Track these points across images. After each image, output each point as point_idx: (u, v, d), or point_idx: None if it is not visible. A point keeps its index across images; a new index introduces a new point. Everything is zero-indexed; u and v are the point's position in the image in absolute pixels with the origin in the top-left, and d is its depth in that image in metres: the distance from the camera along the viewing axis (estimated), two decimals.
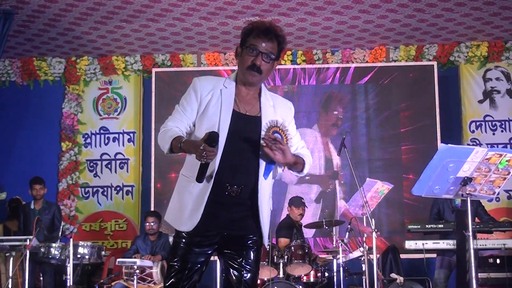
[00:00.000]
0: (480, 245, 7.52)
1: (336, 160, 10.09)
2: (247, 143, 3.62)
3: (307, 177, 10.03)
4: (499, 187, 5.05)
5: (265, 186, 3.68)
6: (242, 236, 3.70)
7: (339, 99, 10.47)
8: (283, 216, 9.07)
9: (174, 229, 3.71)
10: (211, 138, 3.35)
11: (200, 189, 3.57)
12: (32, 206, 9.04)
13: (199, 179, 3.49)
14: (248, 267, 3.69)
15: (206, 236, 3.63)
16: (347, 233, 7.94)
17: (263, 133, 3.59)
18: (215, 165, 3.53)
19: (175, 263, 3.64)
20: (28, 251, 7.79)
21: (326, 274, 8.05)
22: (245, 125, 3.66)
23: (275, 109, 3.76)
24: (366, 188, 8.22)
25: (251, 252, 3.71)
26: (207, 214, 3.57)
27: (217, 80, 3.79)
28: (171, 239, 8.45)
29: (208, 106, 3.66)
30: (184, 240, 3.63)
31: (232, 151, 3.59)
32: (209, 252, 3.69)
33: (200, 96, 3.69)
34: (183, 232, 3.63)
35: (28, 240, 7.89)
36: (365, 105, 10.41)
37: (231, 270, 3.69)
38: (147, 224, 8.90)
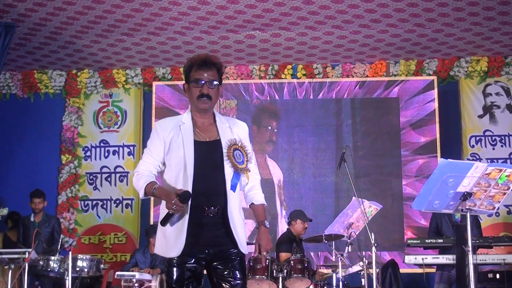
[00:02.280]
0: (480, 260, 7.50)
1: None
2: (214, 166, 4.02)
3: None
4: (499, 202, 5.06)
5: (234, 201, 4.03)
6: (225, 250, 4.03)
7: (336, 112, 10.48)
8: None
9: None
10: (183, 196, 3.78)
11: (178, 217, 3.93)
12: (31, 219, 9.03)
13: (163, 223, 3.90)
14: (236, 277, 4.02)
15: (193, 255, 3.98)
16: (346, 247, 7.92)
17: (225, 150, 4.02)
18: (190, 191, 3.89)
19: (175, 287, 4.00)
20: (27, 264, 7.76)
21: None
22: (208, 151, 4.04)
23: (232, 130, 4.15)
24: (353, 208, 8.06)
25: (236, 263, 4.04)
26: (190, 236, 3.93)
27: (175, 118, 4.21)
28: None
29: (172, 143, 4.03)
30: (175, 265, 3.99)
31: (202, 176, 3.97)
32: (199, 269, 4.03)
33: (163, 137, 4.06)
34: (173, 258, 3.99)
35: (27, 252, 7.87)
36: (361, 119, 10.43)
37: (222, 282, 4.01)
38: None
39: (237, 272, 4.04)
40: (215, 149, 4.05)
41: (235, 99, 10.52)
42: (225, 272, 4.02)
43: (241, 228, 4.07)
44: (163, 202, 3.96)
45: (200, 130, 4.11)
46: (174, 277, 4.00)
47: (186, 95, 4.19)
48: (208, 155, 4.03)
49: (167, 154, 4.05)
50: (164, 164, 4.09)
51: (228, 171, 4.01)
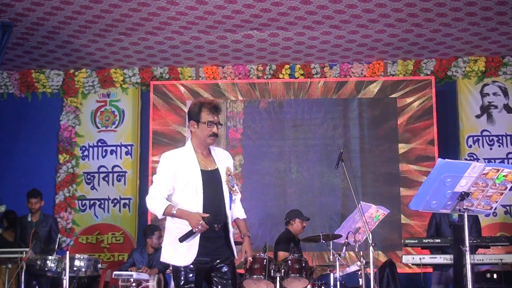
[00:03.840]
0: (477, 260, 7.50)
1: None
2: (216, 191, 4.91)
3: None
4: (496, 202, 5.06)
5: (230, 217, 4.96)
6: (224, 258, 4.92)
7: (333, 112, 10.49)
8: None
9: None
10: (208, 219, 4.66)
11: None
12: (29, 219, 9.02)
13: (183, 240, 4.69)
14: (229, 280, 4.90)
15: (199, 264, 4.79)
16: (344, 247, 7.92)
17: (224, 178, 4.97)
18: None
19: None
20: (24, 264, 7.76)
21: None
22: (211, 178, 4.92)
23: (223, 159, 5.08)
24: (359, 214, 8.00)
25: (230, 267, 4.94)
26: (200, 248, 4.76)
27: (179, 151, 5.01)
28: None
29: (180, 172, 4.84)
30: (183, 273, 4.78)
31: (209, 199, 4.83)
32: (202, 274, 4.86)
33: (173, 168, 4.85)
34: (181, 266, 4.78)
35: (24, 252, 7.86)
36: (359, 120, 10.44)
37: (219, 286, 4.89)
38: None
39: (230, 274, 4.92)
40: (215, 176, 4.94)
41: (241, 103, 10.51)
42: (223, 276, 4.89)
43: (232, 238, 4.99)
44: (173, 220, 4.79)
45: (202, 160, 4.95)
46: (182, 282, 4.77)
47: (191, 129, 4.96)
48: (212, 182, 4.91)
49: (177, 181, 4.83)
50: (173, 188, 4.86)
51: (226, 194, 4.94)
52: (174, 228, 4.82)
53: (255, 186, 10.34)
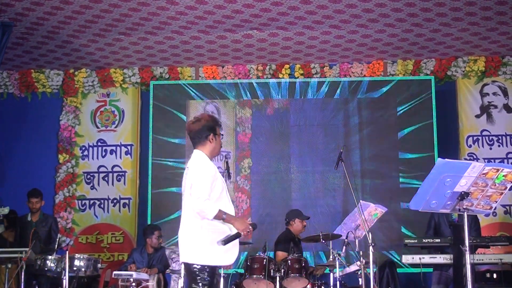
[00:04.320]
0: (477, 259, 7.51)
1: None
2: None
3: None
4: (496, 202, 5.07)
5: None
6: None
7: (334, 112, 10.49)
8: None
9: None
10: (255, 226, 5.18)
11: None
12: (29, 218, 9.01)
13: (226, 242, 5.00)
14: None
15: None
16: (344, 247, 7.92)
17: None
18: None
19: None
20: (24, 263, 7.76)
21: None
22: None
23: None
24: (358, 212, 8.15)
25: None
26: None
27: (208, 159, 5.33)
28: (167, 252, 8.44)
29: (218, 180, 5.23)
30: (214, 273, 5.15)
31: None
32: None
33: (213, 174, 5.19)
34: (221, 266, 5.50)
35: (24, 252, 7.86)
36: (359, 119, 10.44)
37: None
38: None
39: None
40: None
41: (249, 108, 10.53)
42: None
43: None
44: (211, 223, 5.05)
45: None
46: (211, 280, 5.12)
47: (209, 141, 5.34)
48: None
49: (214, 189, 5.15)
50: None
51: None
52: (215, 230, 5.09)
53: (262, 187, 10.38)
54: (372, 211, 7.72)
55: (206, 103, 10.52)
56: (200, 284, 5.01)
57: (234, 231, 5.10)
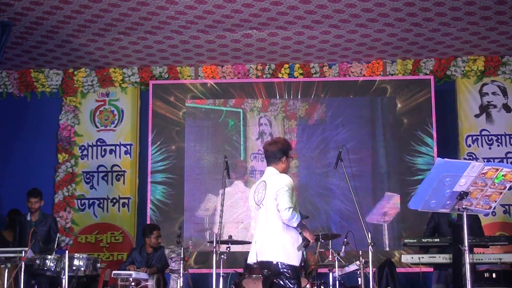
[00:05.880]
0: (476, 259, 7.51)
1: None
2: None
3: None
4: (495, 201, 5.06)
5: None
6: None
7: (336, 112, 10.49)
8: None
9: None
10: (317, 237, 6.37)
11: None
12: (28, 218, 9.00)
13: (300, 248, 5.73)
14: None
15: None
16: (343, 246, 7.92)
17: None
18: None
19: None
20: (23, 263, 7.75)
21: None
22: None
23: None
24: (386, 201, 9.98)
25: None
26: None
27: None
28: (166, 251, 8.44)
29: (294, 194, 5.94)
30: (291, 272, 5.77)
31: None
32: None
33: (293, 189, 5.97)
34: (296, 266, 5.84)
35: (23, 251, 7.85)
36: (359, 119, 10.44)
37: None
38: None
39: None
40: None
41: (293, 120, 10.56)
42: None
43: None
44: (291, 230, 5.78)
45: None
46: (297, 278, 5.83)
47: (282, 162, 6.08)
48: None
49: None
50: None
51: None
52: (295, 236, 5.80)
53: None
54: (397, 201, 9.17)
55: (260, 116, 10.55)
56: (287, 279, 5.73)
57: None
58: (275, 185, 5.89)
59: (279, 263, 5.76)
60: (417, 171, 10.04)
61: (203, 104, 10.61)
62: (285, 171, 6.11)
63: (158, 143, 10.45)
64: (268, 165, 6.16)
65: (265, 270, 5.85)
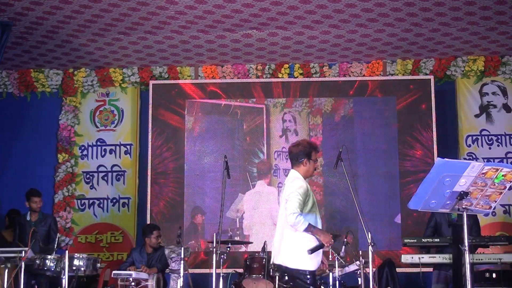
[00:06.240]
0: (476, 259, 7.50)
1: None
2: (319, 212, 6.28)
3: None
4: (495, 201, 5.06)
5: None
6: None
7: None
8: None
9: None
10: (335, 237, 6.01)
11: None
12: (28, 218, 9.01)
13: (312, 252, 5.80)
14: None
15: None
16: (343, 246, 7.90)
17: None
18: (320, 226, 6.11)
19: None
20: (23, 263, 7.75)
21: None
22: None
23: None
24: None
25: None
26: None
27: (304, 179, 6.17)
28: (166, 251, 8.43)
29: (310, 197, 6.07)
30: (309, 277, 5.90)
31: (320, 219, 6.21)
32: None
33: (307, 193, 6.05)
34: (312, 271, 5.93)
35: (23, 251, 7.85)
36: (359, 119, 10.44)
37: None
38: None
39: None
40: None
41: (319, 116, 10.49)
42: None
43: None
44: (304, 234, 5.86)
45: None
46: (313, 282, 5.93)
47: (303, 165, 6.19)
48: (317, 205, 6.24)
49: (307, 203, 5.98)
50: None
51: None
52: (306, 240, 5.88)
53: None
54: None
55: (284, 112, 10.51)
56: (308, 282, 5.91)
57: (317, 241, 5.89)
58: (288, 189, 6.03)
59: (293, 268, 5.93)
60: (417, 171, 10.03)
61: (208, 101, 10.59)
62: (307, 174, 6.21)
63: (158, 143, 10.45)
64: (291, 167, 6.32)
65: (282, 272, 6.06)
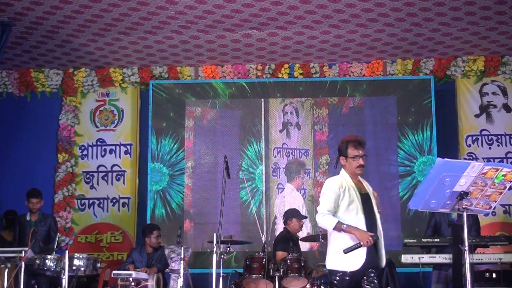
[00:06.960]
0: (476, 259, 7.51)
1: None
2: (371, 210, 5.76)
3: None
4: (495, 201, 5.07)
5: (381, 233, 5.78)
6: (375, 265, 5.76)
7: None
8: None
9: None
10: (376, 236, 5.58)
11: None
12: (28, 218, 9.01)
13: (348, 251, 5.51)
14: (376, 284, 5.75)
15: (361, 269, 5.63)
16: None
17: (374, 200, 5.84)
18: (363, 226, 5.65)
19: None
20: (23, 263, 7.76)
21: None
22: (365, 199, 5.77)
23: (368, 186, 5.95)
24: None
25: (376, 273, 5.78)
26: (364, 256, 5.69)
27: (339, 178, 5.82)
28: (166, 251, 8.43)
29: (345, 194, 5.69)
30: (348, 278, 5.61)
31: (366, 217, 5.67)
32: (359, 277, 5.72)
33: (338, 191, 5.70)
34: (348, 272, 5.60)
35: (23, 251, 7.85)
36: (361, 119, 10.44)
37: (369, 285, 5.68)
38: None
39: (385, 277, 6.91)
40: (368, 198, 5.80)
41: (326, 108, 10.46)
42: (374, 279, 5.65)
43: (384, 250, 5.80)
44: (339, 233, 5.60)
45: (356, 185, 5.79)
46: (346, 285, 5.61)
47: (342, 163, 5.84)
48: (366, 202, 5.76)
49: (341, 202, 5.68)
50: (338, 206, 5.71)
51: (377, 214, 5.78)
52: (341, 239, 5.61)
53: None
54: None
55: (285, 104, 10.47)
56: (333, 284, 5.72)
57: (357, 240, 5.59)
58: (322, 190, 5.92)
59: (328, 269, 5.78)
60: (417, 171, 10.03)
61: (208, 101, 10.59)
62: (350, 171, 5.82)
63: (158, 142, 10.45)
64: None
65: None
